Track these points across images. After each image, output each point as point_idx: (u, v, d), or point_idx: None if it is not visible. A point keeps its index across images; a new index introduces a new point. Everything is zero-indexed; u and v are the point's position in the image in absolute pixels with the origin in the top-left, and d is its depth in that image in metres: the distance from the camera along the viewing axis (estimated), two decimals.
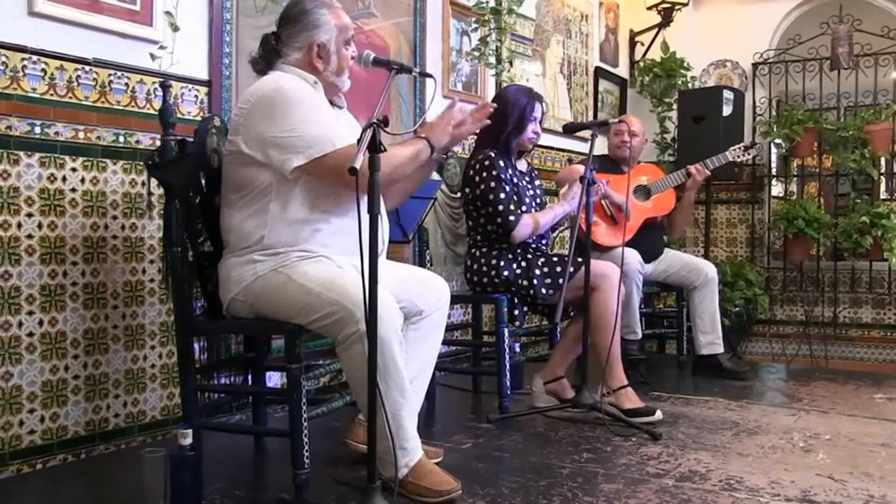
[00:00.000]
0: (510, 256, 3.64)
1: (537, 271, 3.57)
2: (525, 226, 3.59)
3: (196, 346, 2.76)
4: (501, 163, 3.61)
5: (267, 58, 2.70)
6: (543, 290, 3.55)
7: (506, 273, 3.60)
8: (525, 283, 3.58)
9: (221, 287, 2.65)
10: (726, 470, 2.82)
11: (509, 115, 3.63)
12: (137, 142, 3.10)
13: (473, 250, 3.73)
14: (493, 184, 3.57)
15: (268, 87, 2.57)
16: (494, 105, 2.88)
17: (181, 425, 2.50)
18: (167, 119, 2.70)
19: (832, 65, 6.29)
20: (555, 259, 3.62)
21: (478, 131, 3.72)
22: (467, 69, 4.89)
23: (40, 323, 2.82)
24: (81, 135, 2.93)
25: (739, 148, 4.72)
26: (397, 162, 2.54)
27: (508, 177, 3.62)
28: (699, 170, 4.61)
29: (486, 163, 3.60)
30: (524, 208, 3.64)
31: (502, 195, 3.56)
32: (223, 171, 2.67)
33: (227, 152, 2.65)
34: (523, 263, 3.62)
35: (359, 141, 2.18)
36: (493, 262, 3.63)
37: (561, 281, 3.51)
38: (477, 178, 3.62)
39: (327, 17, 2.66)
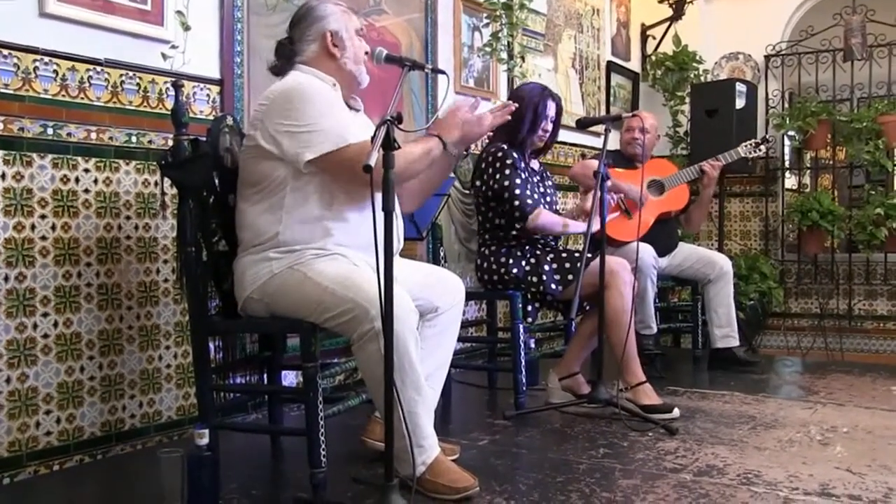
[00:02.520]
0: (519, 254, 3.62)
1: (546, 267, 3.56)
2: (547, 215, 3.58)
3: (211, 345, 2.76)
4: (515, 154, 3.61)
5: (286, 57, 2.73)
6: (553, 286, 3.54)
7: (515, 270, 3.59)
8: (535, 279, 3.57)
9: (237, 286, 2.65)
10: (744, 464, 2.81)
11: (525, 114, 3.62)
12: (150, 142, 3.11)
13: (483, 248, 3.72)
14: (507, 171, 3.56)
15: (287, 83, 2.60)
16: (516, 105, 2.86)
17: (198, 425, 2.50)
18: (180, 118, 2.69)
19: (845, 56, 6.25)
20: (564, 255, 3.61)
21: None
22: (479, 65, 4.88)
23: (55, 324, 2.82)
24: (94, 135, 2.94)
25: (751, 144, 4.70)
26: (409, 159, 2.54)
27: (522, 167, 3.61)
28: (713, 165, 4.59)
29: (500, 154, 3.60)
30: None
31: (518, 181, 3.55)
32: (240, 167, 2.67)
33: (244, 147, 2.66)
34: (532, 260, 3.60)
35: (372, 138, 2.18)
36: (503, 259, 3.62)
37: (570, 277, 3.50)
38: (490, 170, 3.61)
39: (333, 8, 2.72)
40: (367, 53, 2.75)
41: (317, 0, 2.74)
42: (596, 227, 3.53)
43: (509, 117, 2.79)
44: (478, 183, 3.69)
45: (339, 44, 2.69)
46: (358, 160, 2.29)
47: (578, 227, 3.65)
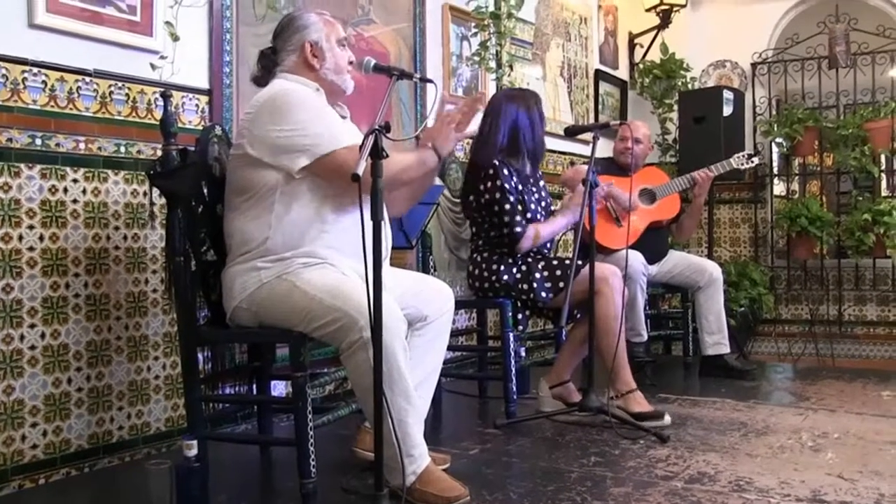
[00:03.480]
0: (510, 261, 3.62)
1: (537, 275, 3.56)
2: (528, 238, 3.58)
3: (200, 356, 2.75)
4: (506, 171, 3.59)
5: (267, 68, 2.75)
6: (544, 294, 3.54)
7: (506, 277, 3.59)
8: (525, 286, 3.57)
9: (225, 295, 2.64)
10: (735, 471, 2.80)
11: (532, 125, 3.62)
12: (139, 152, 3.10)
13: (475, 255, 3.72)
14: (497, 194, 3.55)
15: (273, 90, 2.62)
16: (482, 93, 2.87)
17: (186, 436, 2.49)
18: (168, 128, 2.69)
19: (830, 63, 6.30)
20: (555, 262, 3.61)
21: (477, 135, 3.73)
22: (468, 74, 4.88)
23: (42, 336, 2.80)
24: (82, 146, 2.93)
25: (743, 156, 4.71)
26: (403, 165, 2.56)
27: (514, 185, 3.60)
28: (705, 176, 4.60)
29: (491, 171, 3.58)
30: (529, 215, 3.62)
31: (507, 206, 3.54)
32: (227, 175, 2.68)
33: (231, 156, 2.66)
34: (523, 268, 3.60)
35: (361, 147, 2.18)
36: (494, 266, 3.62)
37: (561, 284, 3.50)
38: (482, 187, 3.60)
39: (314, 19, 2.73)
40: (351, 63, 2.76)
41: (299, 10, 2.77)
42: (567, 222, 3.65)
43: (480, 108, 2.79)
44: (470, 197, 3.68)
45: (319, 54, 2.70)
46: (350, 163, 2.31)
47: (547, 231, 3.65)
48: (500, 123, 3.61)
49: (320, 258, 2.56)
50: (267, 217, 2.55)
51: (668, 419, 3.45)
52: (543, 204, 3.77)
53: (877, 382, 4.49)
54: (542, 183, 3.85)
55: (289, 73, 2.70)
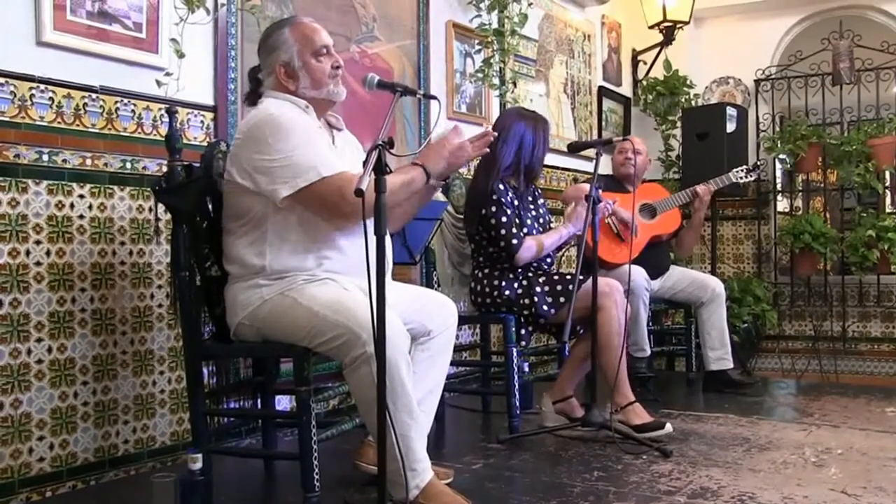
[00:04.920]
0: (511, 276, 3.64)
1: (538, 289, 3.57)
2: (528, 248, 3.59)
3: (205, 370, 2.77)
4: (501, 186, 3.61)
5: (254, 89, 2.76)
6: (545, 308, 3.55)
7: (507, 293, 3.60)
8: (526, 301, 3.58)
9: (228, 312, 2.66)
10: (738, 486, 2.81)
11: (538, 145, 3.65)
12: (144, 168, 3.12)
13: (477, 271, 3.74)
14: (493, 208, 3.58)
15: (259, 116, 2.59)
16: (495, 134, 2.87)
17: (191, 450, 2.50)
18: (174, 145, 2.72)
19: (834, 80, 6.31)
20: (556, 277, 3.62)
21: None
22: (471, 90, 4.92)
23: (49, 350, 2.82)
24: (89, 162, 2.95)
25: (742, 170, 4.74)
26: (389, 188, 2.53)
27: (509, 200, 3.62)
28: (704, 189, 4.62)
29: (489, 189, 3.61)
30: (525, 230, 3.64)
31: (504, 219, 3.56)
32: (223, 201, 2.68)
33: (225, 182, 2.66)
34: (524, 283, 3.62)
35: (364, 163, 2.19)
36: (496, 282, 3.63)
37: (563, 299, 3.51)
38: (482, 205, 3.62)
39: (286, 36, 2.66)
40: (337, 67, 2.69)
41: (276, 24, 2.74)
42: (570, 232, 3.66)
43: (488, 150, 2.80)
44: (469, 213, 3.70)
45: (293, 74, 2.65)
46: (335, 193, 2.35)
47: (551, 241, 3.67)
48: (509, 142, 3.63)
49: (321, 276, 2.57)
50: (262, 245, 2.56)
51: (669, 428, 3.46)
52: (542, 221, 3.79)
53: (881, 399, 4.49)
54: (540, 201, 3.87)
55: (274, 91, 2.68)
